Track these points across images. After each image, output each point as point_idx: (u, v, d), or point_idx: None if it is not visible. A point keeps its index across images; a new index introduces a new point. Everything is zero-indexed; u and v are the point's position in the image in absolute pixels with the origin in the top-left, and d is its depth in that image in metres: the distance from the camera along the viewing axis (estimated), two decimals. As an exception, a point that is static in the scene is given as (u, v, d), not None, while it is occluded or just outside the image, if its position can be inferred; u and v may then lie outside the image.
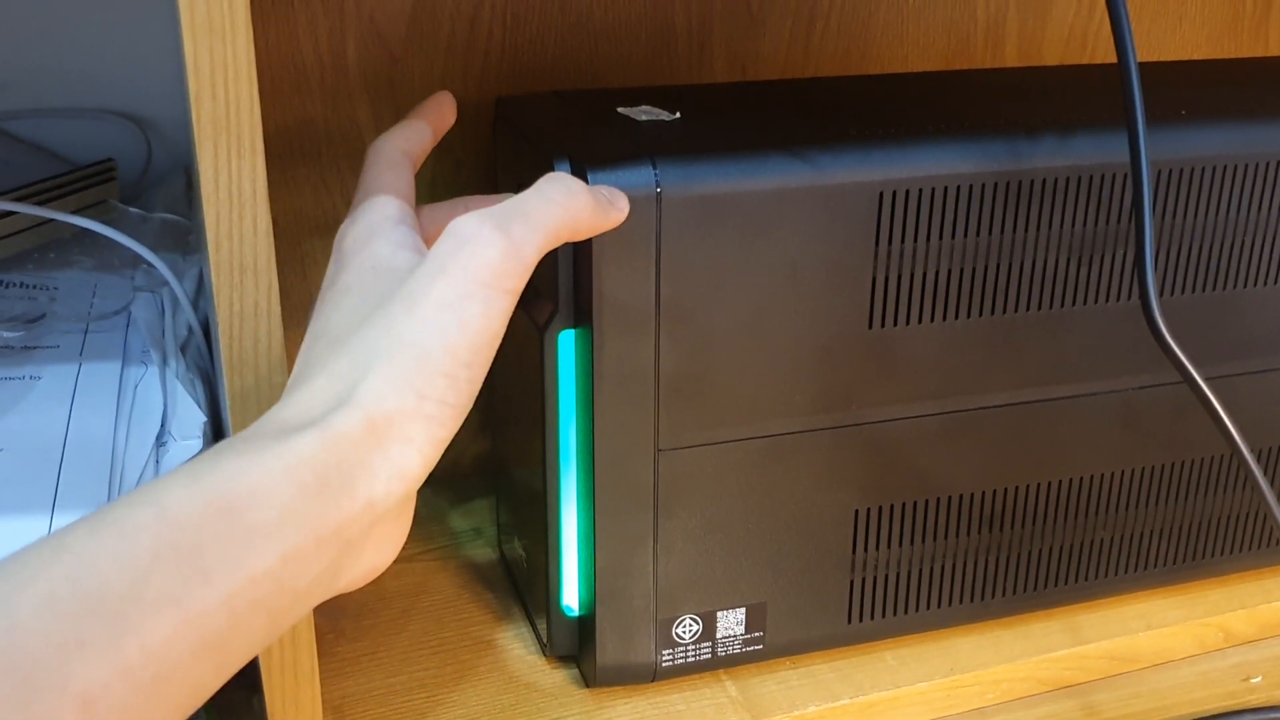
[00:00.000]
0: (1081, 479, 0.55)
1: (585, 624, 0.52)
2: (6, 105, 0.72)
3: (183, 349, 0.59)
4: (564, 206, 0.39)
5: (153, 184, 0.72)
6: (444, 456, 0.71)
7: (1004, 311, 0.51)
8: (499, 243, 0.37)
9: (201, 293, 0.63)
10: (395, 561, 0.62)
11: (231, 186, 0.38)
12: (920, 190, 0.48)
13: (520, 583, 0.59)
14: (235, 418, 0.40)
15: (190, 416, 0.53)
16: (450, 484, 0.70)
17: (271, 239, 0.38)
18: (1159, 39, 0.77)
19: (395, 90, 0.63)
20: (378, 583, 0.60)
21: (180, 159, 0.75)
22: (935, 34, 0.72)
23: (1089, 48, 0.75)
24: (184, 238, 0.66)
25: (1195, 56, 0.78)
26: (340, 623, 0.58)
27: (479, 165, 0.66)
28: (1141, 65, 0.65)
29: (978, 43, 0.73)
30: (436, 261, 0.37)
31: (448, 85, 0.63)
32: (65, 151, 0.73)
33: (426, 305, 0.36)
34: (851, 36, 0.70)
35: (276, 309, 0.39)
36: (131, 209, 0.67)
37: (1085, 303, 0.52)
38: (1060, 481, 0.55)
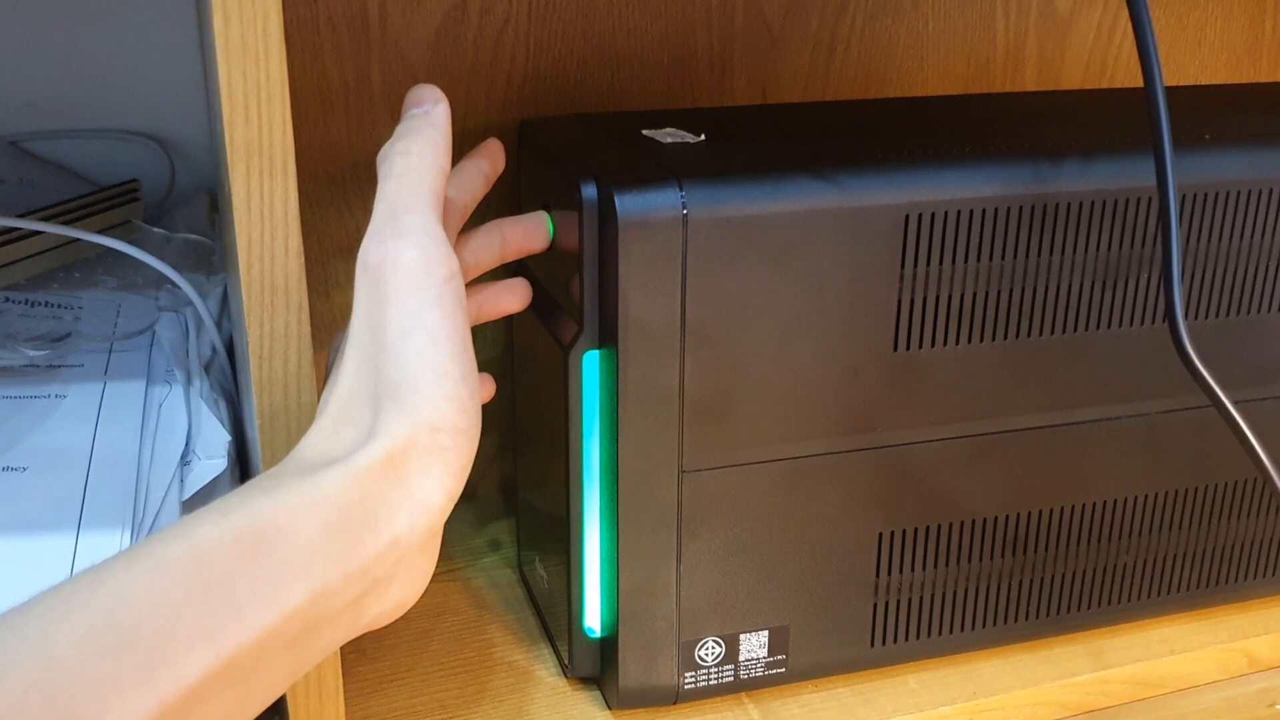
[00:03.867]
0: (1105, 503, 0.55)
1: (607, 645, 0.52)
2: (32, 126, 0.72)
3: (206, 368, 0.59)
4: (415, 169, 0.40)
5: (176, 205, 0.73)
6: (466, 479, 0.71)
7: (1029, 335, 0.51)
8: (403, 245, 0.37)
9: (225, 313, 0.63)
10: (415, 582, 0.63)
11: (263, 208, 0.38)
12: (946, 213, 0.48)
13: (541, 604, 0.59)
14: (264, 436, 0.40)
15: (215, 436, 0.53)
16: (470, 505, 0.70)
17: (302, 260, 0.39)
18: (1179, 63, 0.77)
19: (419, 113, 0.63)
20: (398, 603, 0.60)
21: (203, 180, 0.75)
22: (955, 58, 0.72)
23: (1108, 72, 0.76)
24: (207, 258, 0.67)
25: (1215, 81, 0.79)
26: (361, 643, 0.58)
27: (502, 189, 0.66)
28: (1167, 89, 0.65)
29: (997, 67, 0.73)
30: (376, 299, 0.37)
31: (471, 109, 0.64)
32: (89, 172, 0.74)
33: (393, 340, 0.37)
34: (872, 60, 0.70)
35: (306, 329, 0.39)
36: (155, 229, 0.68)
37: (1110, 326, 0.52)
38: (1084, 505, 0.55)
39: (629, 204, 0.45)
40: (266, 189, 0.38)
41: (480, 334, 0.68)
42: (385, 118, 0.63)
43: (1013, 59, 0.73)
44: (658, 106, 0.67)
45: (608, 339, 0.48)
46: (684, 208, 0.45)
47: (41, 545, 0.46)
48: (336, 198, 0.63)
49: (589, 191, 0.46)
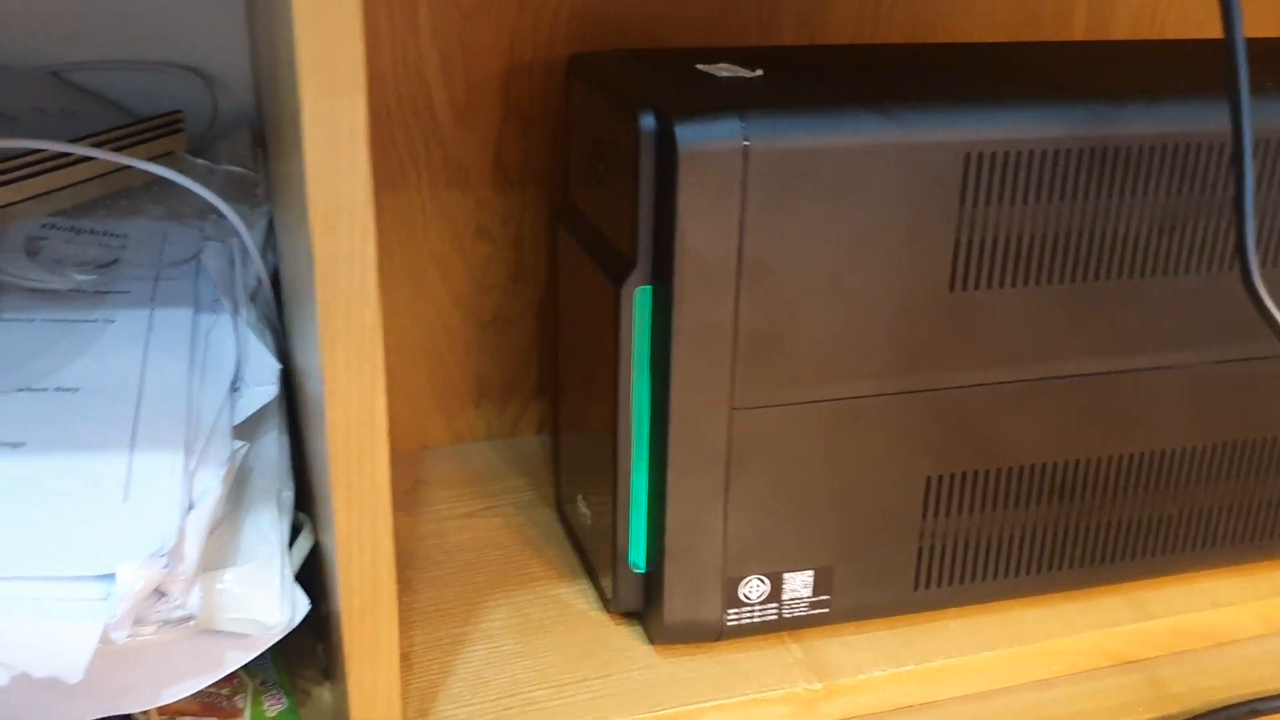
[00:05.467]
0: (1153, 453, 0.55)
1: (651, 580, 0.52)
2: (73, 56, 0.72)
3: (251, 298, 0.59)
4: None
5: (217, 138, 0.73)
6: (504, 418, 0.71)
7: (1084, 279, 0.50)
8: None
9: (269, 244, 0.63)
10: (457, 517, 0.63)
11: (331, 126, 0.38)
12: (1007, 153, 0.47)
13: (583, 540, 0.59)
14: (327, 358, 0.40)
15: (264, 363, 0.53)
16: (509, 444, 0.71)
17: (370, 181, 0.38)
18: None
19: (465, 48, 0.63)
20: (440, 537, 0.61)
21: (244, 114, 0.75)
22: (1003, 6, 0.71)
23: (1158, 24, 0.75)
24: (250, 190, 0.66)
25: (1264, 34, 0.77)
26: (405, 575, 0.58)
27: (546, 124, 0.65)
28: (1214, 42, 0.64)
29: (1046, 17, 0.72)
30: None
31: (517, 43, 0.63)
32: (130, 104, 0.73)
33: None
34: (920, 6, 0.70)
35: (372, 252, 0.39)
36: (199, 160, 0.68)
37: (1166, 273, 0.51)
38: (1132, 454, 0.55)
39: (689, 135, 0.44)
40: (336, 106, 0.37)
41: (519, 275, 0.68)
42: (432, 52, 0.62)
43: (1062, 9, 0.72)
44: (702, 40, 0.67)
45: (661, 274, 0.47)
46: (745, 139, 0.45)
47: (97, 464, 0.46)
48: (380, 132, 0.63)
49: (647, 122, 0.46)
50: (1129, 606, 0.57)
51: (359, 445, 0.42)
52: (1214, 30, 0.75)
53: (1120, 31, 0.74)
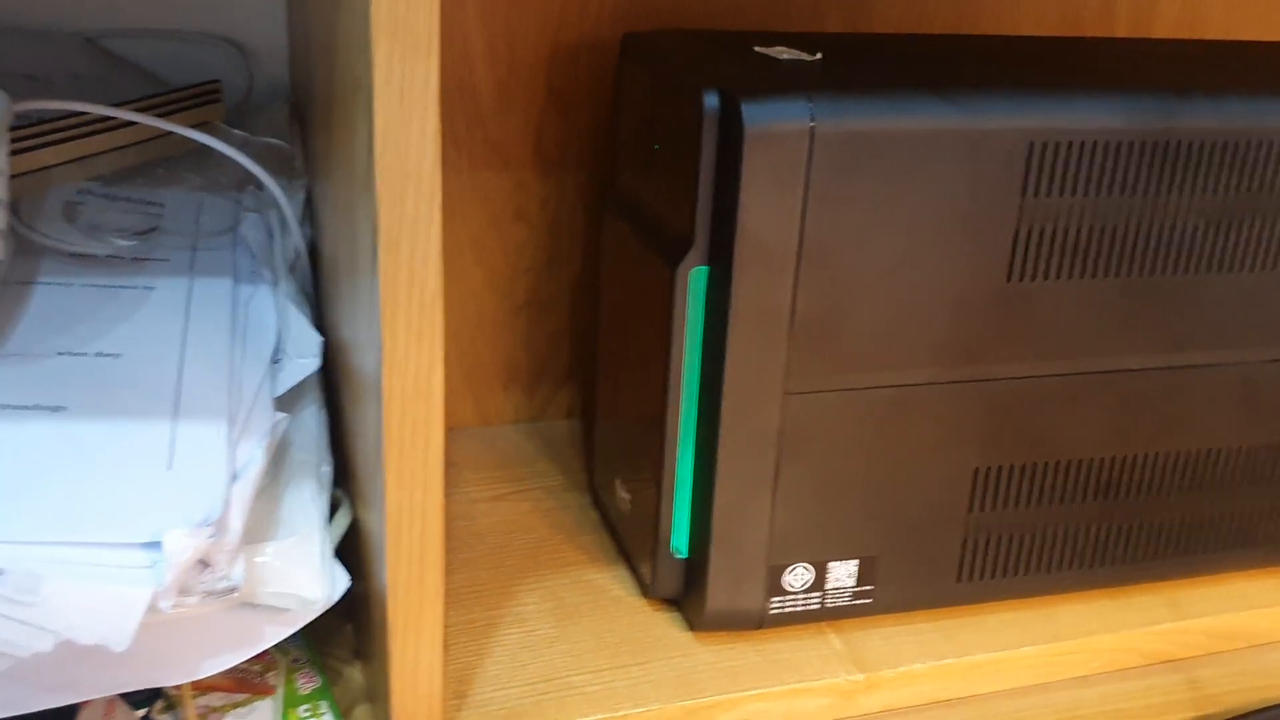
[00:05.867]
0: (1200, 452, 0.54)
1: (693, 567, 0.52)
2: (110, 23, 0.71)
3: (290, 270, 0.59)
4: None
5: (253, 110, 0.72)
6: (532, 402, 0.71)
7: (1142, 273, 0.50)
8: None
9: (307, 217, 0.62)
10: (486, 500, 0.62)
11: (403, 89, 0.37)
12: (1070, 143, 0.47)
13: (619, 525, 0.58)
14: (387, 327, 0.40)
15: (306, 335, 0.53)
16: (538, 428, 0.70)
17: (438, 146, 0.38)
18: (1268, 20, 0.76)
19: (510, 29, 0.62)
20: (471, 520, 0.60)
21: (280, 86, 0.74)
22: (1048, 2, 0.71)
23: (1200, 25, 0.74)
24: (288, 163, 0.66)
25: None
26: (437, 555, 0.57)
27: (588, 108, 0.65)
28: (1266, 44, 0.64)
29: (1089, 14, 0.72)
30: None
31: (562, 27, 0.62)
32: (164, 73, 0.73)
33: None
34: (966, 0, 0.69)
35: (437, 219, 0.38)
36: (236, 131, 0.67)
37: (1224, 270, 0.51)
38: (1179, 453, 0.54)
39: (756, 114, 0.44)
40: (408, 70, 0.37)
41: (555, 259, 0.68)
42: (478, 32, 0.62)
43: (1105, 7, 0.72)
44: (751, 20, 0.66)
45: (719, 255, 0.47)
46: (812, 120, 0.44)
47: (139, 430, 0.45)
48: (424, 108, 0.62)
49: (711, 101, 0.45)
50: (1166, 605, 0.57)
51: (414, 418, 0.41)
52: (1257, 32, 0.74)
53: (1162, 31, 0.74)
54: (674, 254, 0.48)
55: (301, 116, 0.67)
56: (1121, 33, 0.73)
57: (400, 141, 0.38)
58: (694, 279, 0.48)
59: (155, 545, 0.40)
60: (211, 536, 0.41)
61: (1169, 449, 0.54)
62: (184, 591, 0.42)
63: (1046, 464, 0.52)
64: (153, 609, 0.39)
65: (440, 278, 0.39)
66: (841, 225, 0.46)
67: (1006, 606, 0.56)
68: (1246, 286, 0.52)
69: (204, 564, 0.42)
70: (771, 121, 0.44)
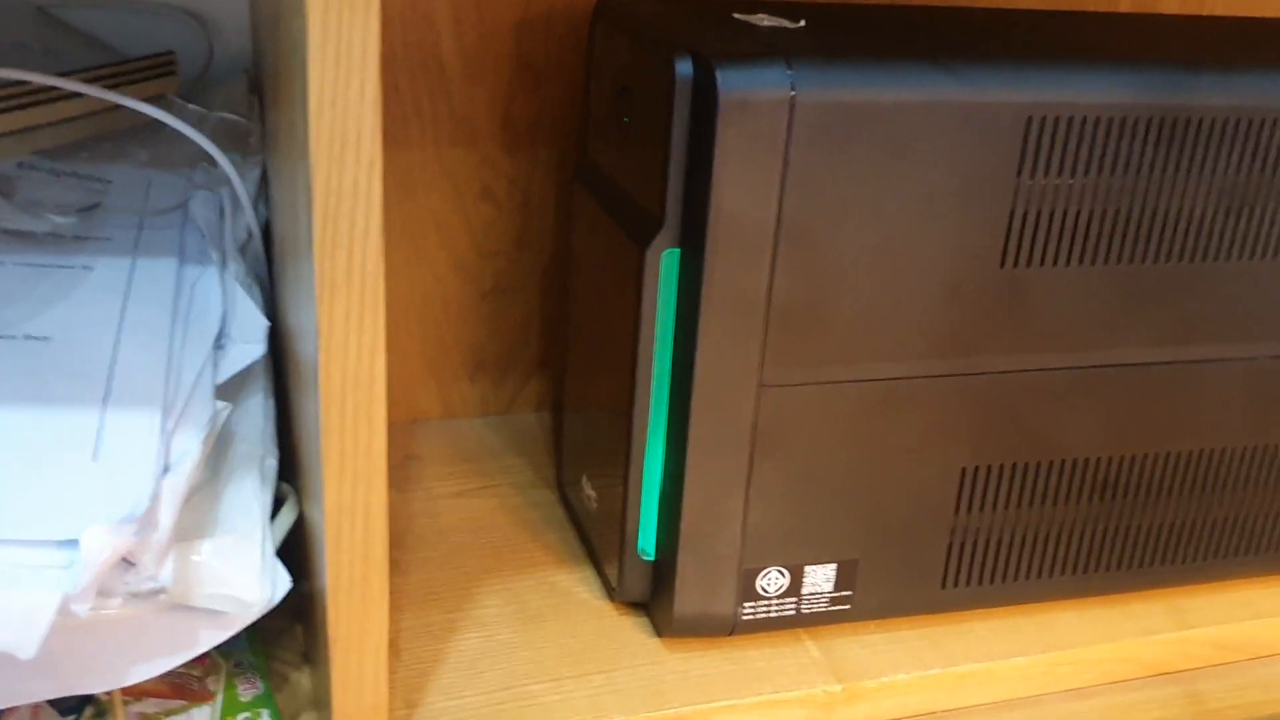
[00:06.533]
0: (1204, 451, 0.51)
1: (661, 569, 0.49)
2: (62, -9, 0.68)
3: (241, 252, 0.55)
4: None
5: (212, 84, 0.68)
6: (500, 393, 0.67)
7: (1145, 260, 0.47)
8: None
9: (261, 196, 0.59)
10: (450, 496, 0.59)
11: (340, 45, 0.34)
12: (1071, 118, 0.43)
13: (586, 525, 0.55)
14: (323, 308, 0.36)
15: (252, 320, 0.49)
16: (506, 421, 0.67)
17: (379, 110, 0.34)
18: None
19: (481, -4, 0.59)
20: (432, 516, 0.57)
21: (240, 60, 0.71)
22: (1049, -21, 0.68)
23: (1207, 2, 0.71)
24: (244, 139, 0.62)
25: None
26: (395, 556, 0.54)
27: (560, 81, 0.61)
28: (1275, 21, 0.60)
29: (1092, -10, 0.69)
30: None
31: (535, -7, 0.59)
32: (120, 45, 0.69)
33: None
34: (961, -26, 0.66)
35: (378, 188, 0.35)
36: (191, 105, 0.63)
37: (1233, 258, 0.48)
38: (1182, 452, 0.51)
39: (732, 81, 0.40)
40: (346, 23, 0.33)
41: (524, 242, 0.64)
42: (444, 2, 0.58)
43: (1108, -16, 0.69)
44: None
45: (691, 236, 0.43)
46: (792, 89, 0.41)
47: (65, 419, 0.42)
48: (385, 80, 0.59)
49: (684, 67, 0.42)
50: (1168, 614, 0.54)
51: (354, 408, 0.38)
52: (1266, 8, 0.71)
53: (1168, 7, 0.71)
54: (644, 234, 0.45)
55: (260, 91, 0.64)
56: (1125, 8, 0.70)
57: (338, 104, 0.34)
58: (665, 261, 0.44)
59: (72, 544, 0.37)
60: (136, 534, 0.38)
61: (1172, 449, 0.51)
62: (105, 593, 0.39)
63: (1040, 463, 0.49)
64: (66, 613, 0.36)
65: (381, 255, 0.36)
66: (823, 204, 0.43)
67: (996, 614, 0.52)
68: (1257, 275, 0.48)
69: (128, 563, 0.39)
70: (748, 89, 0.41)
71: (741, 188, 0.42)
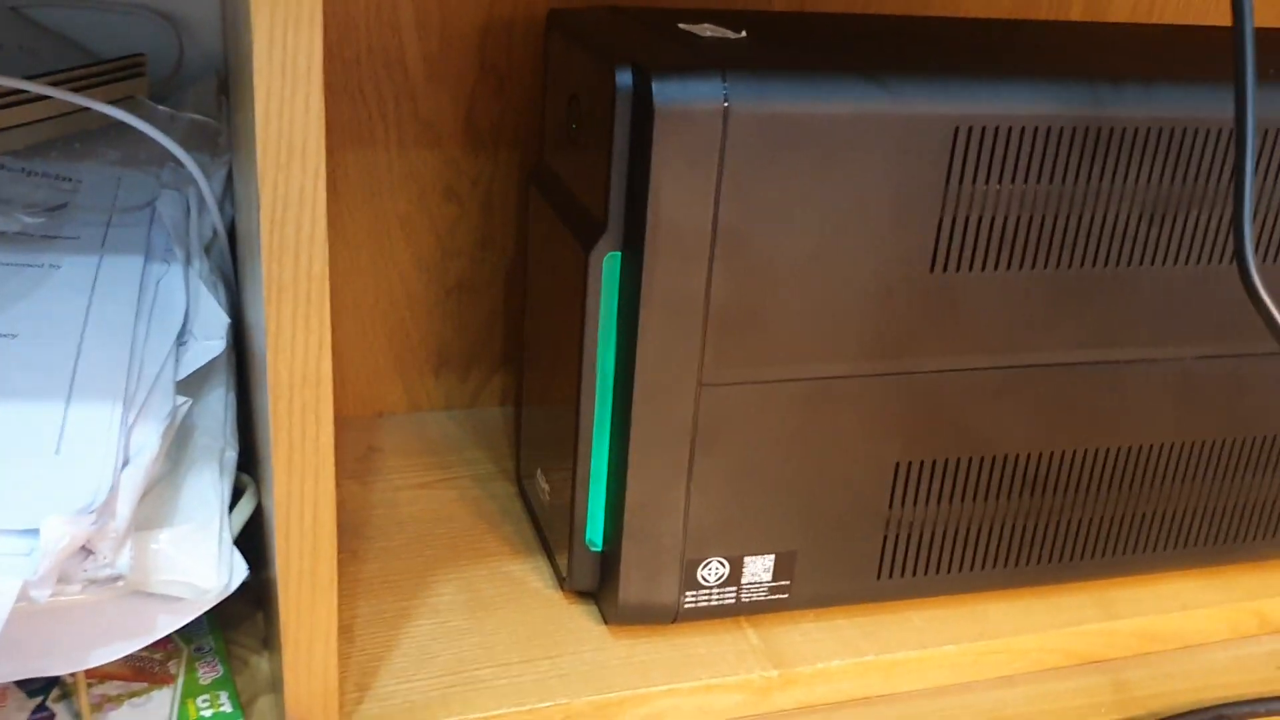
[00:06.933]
0: (1131, 449, 0.53)
1: (608, 559, 0.50)
2: (36, -8, 0.69)
3: (206, 250, 0.57)
4: None
5: (183, 84, 0.70)
6: (465, 388, 0.69)
7: (1070, 265, 0.49)
8: None
9: (228, 196, 0.61)
10: (411, 487, 0.61)
11: (285, 60, 0.35)
12: (998, 129, 0.45)
13: (540, 516, 0.57)
14: (271, 308, 0.38)
15: (214, 317, 0.51)
16: (470, 415, 0.69)
17: (323, 121, 0.36)
18: (1224, 5, 0.74)
19: (442, 3, 0.60)
20: (392, 507, 0.59)
21: (212, 60, 0.72)
22: (1002, -14, 0.69)
23: (1157, 9, 0.73)
24: (213, 139, 0.64)
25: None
26: (353, 544, 0.56)
27: (522, 84, 0.63)
28: (1215, 29, 0.62)
29: (1044, -1, 0.70)
30: None
31: (497, -1, 0.61)
32: (93, 45, 0.71)
33: None
34: (914, -18, 0.68)
35: (323, 195, 0.37)
36: (160, 107, 0.65)
37: (1155, 263, 0.50)
38: (1109, 449, 0.53)
39: (667, 92, 0.42)
40: (291, 40, 0.35)
41: (487, 241, 0.66)
42: (407, 5, 0.60)
43: (1059, -9, 0.71)
44: (689, 7, 0.64)
45: (632, 240, 0.45)
46: (726, 100, 0.43)
47: (29, 414, 0.43)
48: (350, 83, 0.61)
49: (624, 78, 0.44)
50: (1096, 605, 0.56)
51: (302, 404, 0.40)
52: (1213, 17, 0.73)
53: (1119, 15, 0.73)
54: (588, 238, 0.47)
55: (229, 92, 0.65)
56: (1076, 15, 0.72)
57: (283, 115, 0.36)
58: (607, 264, 0.46)
59: (32, 532, 0.39)
60: (94, 523, 0.40)
61: (1099, 445, 0.53)
62: (64, 580, 0.40)
63: (971, 459, 0.51)
64: (26, 599, 0.38)
65: (326, 259, 0.38)
66: (758, 210, 0.44)
67: (930, 604, 0.54)
68: (1180, 280, 0.50)
69: (87, 551, 0.41)
70: (683, 100, 0.42)
71: (678, 194, 0.43)
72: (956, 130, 0.45)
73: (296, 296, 0.38)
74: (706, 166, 0.43)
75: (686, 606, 0.51)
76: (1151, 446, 0.54)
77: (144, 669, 0.49)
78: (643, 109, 0.43)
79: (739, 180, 0.44)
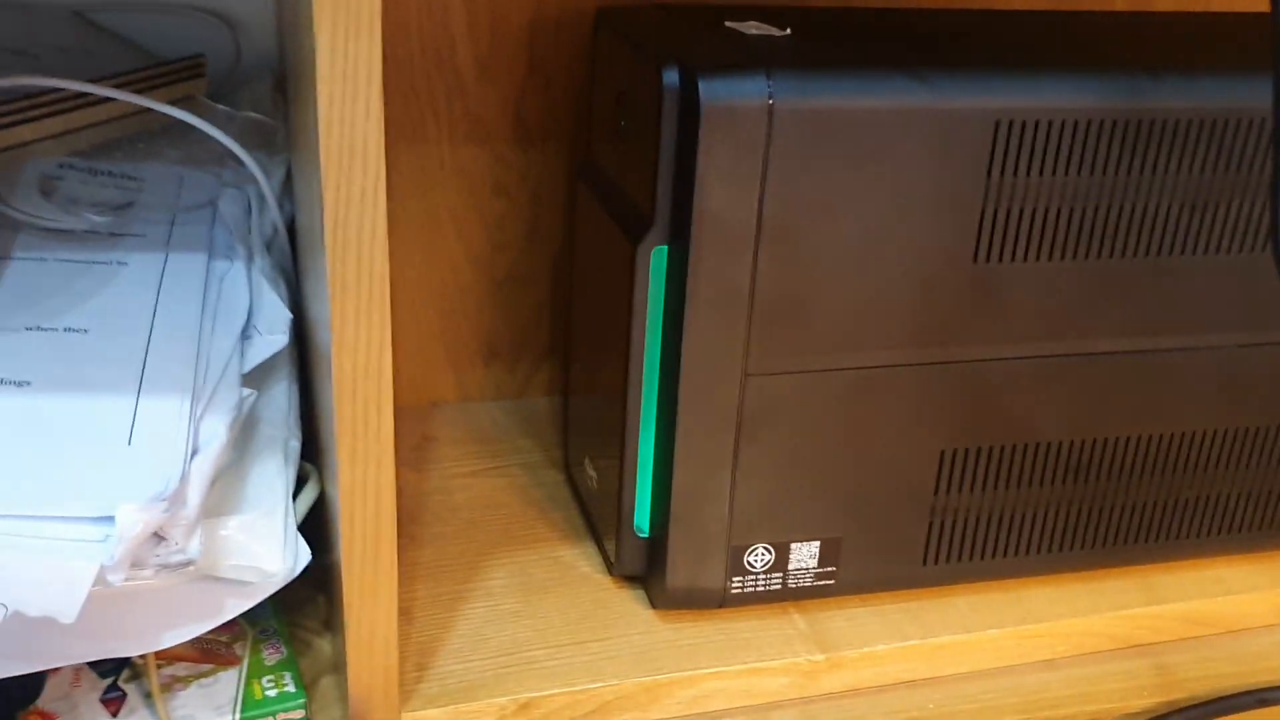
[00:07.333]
0: (1174, 435, 0.54)
1: (655, 545, 0.52)
2: (97, -4, 0.71)
3: (267, 246, 0.59)
4: None
5: (240, 84, 0.72)
6: (513, 378, 0.71)
7: (1112, 255, 0.49)
8: None
9: (287, 193, 0.63)
10: (463, 475, 0.63)
11: (346, 68, 0.37)
12: (1038, 122, 0.46)
13: (589, 503, 0.58)
14: (335, 305, 0.40)
15: (276, 312, 0.53)
16: (519, 405, 0.70)
17: (382, 126, 0.38)
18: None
19: (492, 3, 0.62)
20: (446, 494, 0.60)
21: (268, 60, 0.74)
22: (1045, -24, 0.70)
23: (1202, -1, 0.73)
24: (270, 137, 0.66)
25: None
26: (411, 529, 0.58)
27: (569, 81, 0.65)
28: (1259, 15, 0.62)
29: (1086, -13, 0.71)
30: None
31: (544, -3, 0.62)
32: (152, 46, 0.73)
33: None
34: (958, -27, 0.68)
35: (383, 197, 0.38)
36: (219, 106, 0.67)
37: (1197, 252, 0.50)
38: (1152, 436, 0.54)
39: (713, 91, 0.43)
40: (352, 49, 0.37)
41: (535, 234, 0.68)
42: (458, 3, 0.61)
43: (1103, -20, 0.71)
44: (734, 3, 0.65)
45: (679, 234, 0.46)
46: (770, 98, 0.44)
47: (102, 406, 0.45)
48: (402, 82, 0.62)
49: (670, 77, 0.45)
50: (1140, 590, 0.56)
51: (365, 396, 0.41)
52: (1262, 3, 0.73)
53: (1163, 3, 0.73)
54: (636, 232, 0.48)
55: (285, 90, 0.67)
56: (1121, 4, 0.72)
57: (345, 121, 0.38)
58: (655, 257, 0.47)
59: (108, 519, 0.41)
60: (166, 511, 0.42)
61: (1143, 432, 0.53)
62: (138, 565, 0.42)
63: (1015, 446, 0.52)
64: (102, 582, 0.40)
65: (386, 258, 0.39)
66: (802, 205, 0.45)
67: (975, 589, 0.55)
68: (1221, 269, 0.51)
69: (159, 537, 0.43)
70: (728, 98, 0.43)
71: (723, 190, 0.45)
72: (997, 124, 0.46)
73: (359, 294, 0.40)
74: (751, 162, 0.44)
75: (733, 592, 0.52)
76: (1195, 433, 0.54)
77: (211, 651, 0.51)
78: (689, 107, 0.44)
79: (783, 175, 0.45)
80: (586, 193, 0.55)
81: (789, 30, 0.50)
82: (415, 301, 0.67)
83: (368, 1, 0.36)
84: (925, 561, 0.54)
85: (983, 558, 0.54)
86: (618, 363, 0.51)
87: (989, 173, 0.47)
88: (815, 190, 0.45)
